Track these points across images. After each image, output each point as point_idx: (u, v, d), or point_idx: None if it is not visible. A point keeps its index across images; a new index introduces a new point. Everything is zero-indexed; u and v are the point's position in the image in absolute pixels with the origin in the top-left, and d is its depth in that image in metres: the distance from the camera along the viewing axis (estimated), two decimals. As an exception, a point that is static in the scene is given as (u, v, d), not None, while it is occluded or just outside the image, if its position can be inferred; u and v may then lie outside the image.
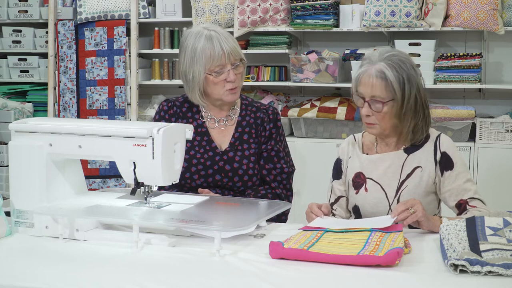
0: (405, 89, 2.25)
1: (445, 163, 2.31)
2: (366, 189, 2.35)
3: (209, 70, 2.42)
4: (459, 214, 2.29)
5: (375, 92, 2.25)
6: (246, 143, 2.52)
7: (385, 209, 2.31)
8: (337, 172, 2.48)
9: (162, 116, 2.57)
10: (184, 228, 2.00)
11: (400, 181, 2.33)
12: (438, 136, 2.36)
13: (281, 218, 2.47)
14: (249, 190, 2.50)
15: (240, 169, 2.47)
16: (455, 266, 1.71)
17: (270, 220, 2.21)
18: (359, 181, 2.38)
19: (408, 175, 2.32)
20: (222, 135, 2.54)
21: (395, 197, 2.31)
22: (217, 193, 2.47)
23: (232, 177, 2.47)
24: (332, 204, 2.43)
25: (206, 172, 2.47)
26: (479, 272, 1.69)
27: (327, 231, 2.03)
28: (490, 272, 1.69)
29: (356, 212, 2.39)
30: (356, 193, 2.38)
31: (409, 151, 2.35)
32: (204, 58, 2.41)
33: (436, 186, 2.33)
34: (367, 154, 2.41)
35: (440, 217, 2.19)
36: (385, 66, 2.24)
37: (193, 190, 2.49)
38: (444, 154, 2.32)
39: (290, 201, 2.56)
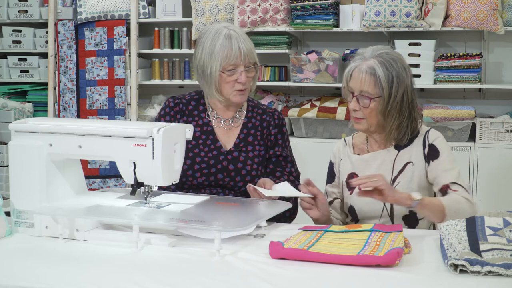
0: (393, 87, 2.26)
1: (431, 153, 2.32)
2: (360, 189, 2.35)
3: (223, 68, 2.43)
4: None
5: (364, 87, 2.27)
6: (251, 145, 2.52)
7: (380, 207, 2.32)
8: (330, 175, 2.50)
9: (167, 112, 2.57)
10: (183, 228, 2.00)
11: (393, 177, 2.34)
12: (427, 131, 2.37)
13: (289, 215, 2.49)
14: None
15: (244, 169, 2.48)
16: (455, 266, 1.71)
17: (271, 220, 2.21)
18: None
19: (400, 171, 2.34)
20: (227, 135, 2.54)
21: None
22: (218, 192, 2.47)
23: (234, 176, 2.47)
24: None
25: (209, 171, 2.47)
26: (479, 272, 1.69)
27: (327, 231, 2.03)
28: (490, 272, 1.69)
29: (352, 213, 2.39)
30: (351, 193, 2.38)
31: (399, 147, 2.37)
32: (221, 55, 2.41)
33: (428, 180, 2.34)
34: (358, 154, 2.42)
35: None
36: (376, 63, 2.27)
37: (193, 188, 2.49)
38: (431, 146, 2.33)
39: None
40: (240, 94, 2.47)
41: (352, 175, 2.39)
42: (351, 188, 2.38)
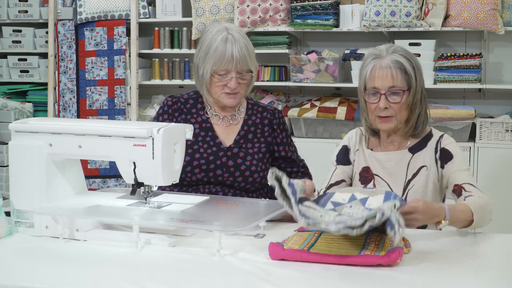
0: (417, 78, 2.29)
1: (444, 157, 2.32)
2: (374, 186, 2.36)
3: (214, 72, 2.44)
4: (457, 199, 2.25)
5: (395, 82, 2.26)
6: (251, 142, 2.54)
7: None
8: (346, 159, 2.45)
9: (165, 111, 2.58)
10: (185, 227, 2.00)
11: (406, 180, 2.33)
12: (441, 136, 2.37)
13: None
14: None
15: (243, 165, 2.48)
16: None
17: (270, 220, 2.21)
18: (367, 176, 2.38)
19: (414, 175, 2.33)
20: (226, 132, 2.55)
21: (402, 196, 2.32)
22: (217, 191, 2.47)
23: (234, 172, 2.48)
24: (331, 186, 2.41)
25: (208, 167, 2.47)
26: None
27: (324, 231, 2.02)
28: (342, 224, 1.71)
29: None
30: (364, 187, 2.37)
31: (413, 150, 2.36)
32: (214, 59, 2.43)
33: (440, 183, 2.33)
34: (371, 149, 2.42)
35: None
36: (399, 56, 2.27)
37: (192, 184, 2.49)
38: (443, 150, 2.33)
39: None
40: (229, 97, 2.49)
41: (367, 169, 2.38)
42: (364, 182, 2.38)
